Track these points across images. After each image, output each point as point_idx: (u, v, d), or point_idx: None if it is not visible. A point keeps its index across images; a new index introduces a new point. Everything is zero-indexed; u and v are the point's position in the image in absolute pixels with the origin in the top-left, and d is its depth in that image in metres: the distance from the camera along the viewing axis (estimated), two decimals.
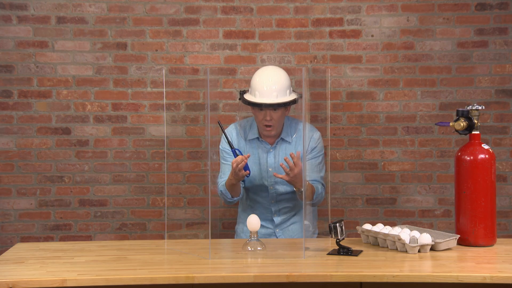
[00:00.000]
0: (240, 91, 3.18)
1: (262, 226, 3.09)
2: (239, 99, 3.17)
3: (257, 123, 3.17)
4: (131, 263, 2.19)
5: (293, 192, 3.16)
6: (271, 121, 3.09)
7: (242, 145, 3.21)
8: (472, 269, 2.09)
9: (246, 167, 3.00)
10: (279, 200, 3.23)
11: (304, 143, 3.08)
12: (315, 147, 3.21)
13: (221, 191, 3.14)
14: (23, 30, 4.01)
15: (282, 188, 3.19)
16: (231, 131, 3.27)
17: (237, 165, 2.92)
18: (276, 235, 3.22)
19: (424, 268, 2.13)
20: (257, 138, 3.22)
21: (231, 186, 3.06)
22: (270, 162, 3.18)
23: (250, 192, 3.27)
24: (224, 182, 3.12)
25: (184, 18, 4.06)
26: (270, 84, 3.07)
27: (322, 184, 3.22)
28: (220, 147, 3.24)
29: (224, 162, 3.21)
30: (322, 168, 3.25)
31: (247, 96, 3.14)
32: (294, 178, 2.94)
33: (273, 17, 4.07)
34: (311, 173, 3.18)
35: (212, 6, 4.06)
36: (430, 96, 4.08)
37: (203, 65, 4.07)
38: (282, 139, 3.21)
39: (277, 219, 3.24)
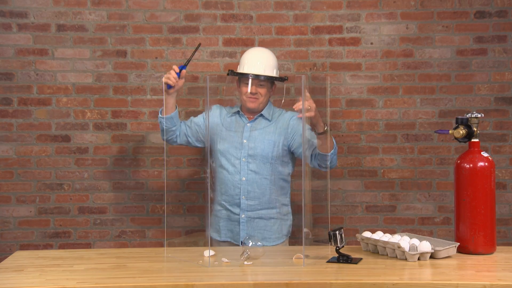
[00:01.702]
0: (229, 70, 3.24)
1: (226, 208, 3.17)
2: (228, 74, 3.22)
3: (241, 98, 3.24)
4: (131, 271, 2.19)
5: (264, 177, 3.17)
6: (256, 95, 3.17)
7: (221, 118, 3.29)
8: (472, 277, 2.09)
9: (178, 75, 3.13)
10: (250, 179, 3.17)
11: (304, 148, 3.05)
12: (296, 124, 3.20)
13: (159, 117, 3.23)
14: (23, 38, 4.02)
15: (255, 164, 3.17)
16: (214, 108, 3.38)
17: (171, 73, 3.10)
18: (239, 223, 3.15)
19: (424, 276, 2.13)
20: (238, 112, 3.29)
21: (165, 102, 3.15)
22: (245, 135, 3.21)
23: (221, 168, 3.22)
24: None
25: (183, 25, 4.07)
26: (257, 58, 3.19)
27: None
28: (192, 118, 3.37)
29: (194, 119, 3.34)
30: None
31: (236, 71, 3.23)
32: (316, 116, 2.89)
33: (273, 25, 4.08)
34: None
35: (211, 14, 4.07)
36: (429, 104, 4.09)
37: (203, 72, 4.08)
38: (262, 116, 3.25)
39: (244, 203, 3.16)
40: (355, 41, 4.09)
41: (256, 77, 3.15)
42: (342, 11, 4.08)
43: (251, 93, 3.16)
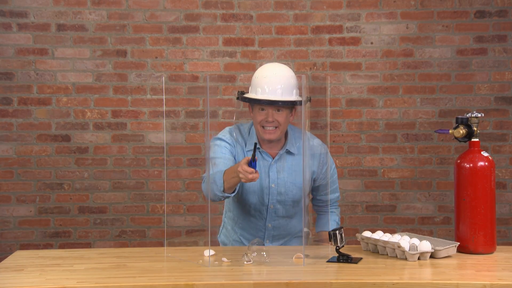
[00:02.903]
0: (239, 91, 2.73)
1: (242, 242, 2.77)
2: (237, 98, 2.71)
3: (256, 127, 2.67)
4: (131, 271, 2.19)
5: (292, 217, 2.76)
6: (273, 123, 2.62)
7: (238, 154, 2.73)
8: (472, 276, 2.09)
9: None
10: (276, 225, 2.76)
11: (304, 153, 2.65)
12: (325, 161, 2.78)
13: (214, 179, 2.54)
14: (23, 38, 4.01)
15: (284, 210, 2.74)
16: (225, 137, 2.75)
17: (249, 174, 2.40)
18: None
19: (424, 275, 2.13)
20: (257, 148, 2.69)
21: (230, 179, 2.49)
22: (272, 177, 2.70)
23: (243, 210, 2.78)
24: (219, 171, 2.58)
25: (183, 25, 4.07)
26: (274, 80, 2.61)
27: (337, 206, 2.89)
28: (216, 142, 2.73)
29: (218, 157, 2.69)
30: (336, 183, 2.86)
31: (247, 95, 2.68)
32: None
33: (273, 25, 4.08)
34: (325, 188, 2.79)
35: (211, 13, 4.07)
36: (429, 103, 4.09)
37: (203, 72, 4.08)
38: (287, 151, 2.73)
39: (268, 243, 2.77)
40: (355, 41, 4.09)
41: (272, 103, 2.58)
42: (342, 11, 4.07)
43: (267, 121, 2.61)
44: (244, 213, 2.76)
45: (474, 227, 2.37)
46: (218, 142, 2.72)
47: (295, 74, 2.64)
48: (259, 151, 2.71)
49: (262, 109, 2.60)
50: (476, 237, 2.36)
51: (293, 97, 2.62)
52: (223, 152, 2.69)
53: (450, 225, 4.07)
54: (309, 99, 2.70)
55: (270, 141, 2.67)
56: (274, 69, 2.68)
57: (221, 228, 2.96)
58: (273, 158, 2.72)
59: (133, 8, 4.05)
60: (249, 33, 4.08)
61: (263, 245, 2.49)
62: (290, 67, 2.69)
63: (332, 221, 2.83)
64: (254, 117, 2.66)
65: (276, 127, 2.61)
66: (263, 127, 2.62)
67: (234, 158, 2.69)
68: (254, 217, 2.75)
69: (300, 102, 2.61)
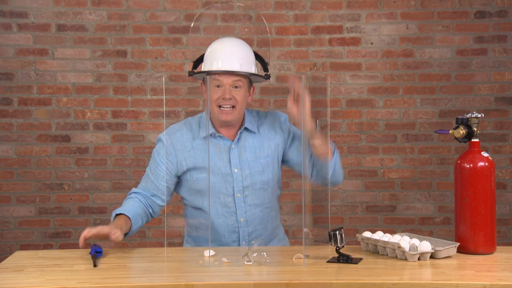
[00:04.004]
0: (189, 70, 2.47)
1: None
2: (189, 74, 2.46)
3: (211, 108, 2.41)
4: (131, 271, 2.19)
5: (265, 207, 2.53)
6: (231, 101, 2.37)
7: (190, 149, 2.49)
8: (472, 277, 2.09)
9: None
10: (250, 217, 2.51)
11: (304, 156, 2.48)
12: (289, 127, 2.57)
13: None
14: (23, 38, 4.01)
15: (253, 196, 2.49)
16: (170, 134, 2.55)
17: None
18: None
19: (424, 276, 2.13)
20: (212, 134, 2.48)
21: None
22: (234, 162, 2.47)
23: (199, 209, 2.55)
24: (127, 200, 2.54)
25: (184, 25, 4.07)
26: (231, 52, 2.38)
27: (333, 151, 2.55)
28: (156, 156, 2.60)
29: (152, 175, 2.62)
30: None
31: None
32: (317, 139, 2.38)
33: (273, 25, 4.08)
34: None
35: (212, 13, 4.06)
36: (429, 104, 4.09)
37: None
38: (246, 129, 2.50)
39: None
40: (355, 41, 4.09)
41: (231, 73, 2.36)
42: (342, 11, 4.07)
43: (224, 99, 2.37)
44: (203, 215, 2.52)
45: (474, 228, 2.37)
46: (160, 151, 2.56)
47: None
48: (215, 138, 2.47)
49: (218, 86, 2.38)
50: (476, 237, 2.36)
51: (252, 70, 2.40)
52: (160, 168, 2.56)
53: (450, 226, 4.07)
54: (268, 77, 2.47)
55: (227, 123, 2.44)
56: (229, 41, 2.47)
57: (185, 237, 2.72)
58: (232, 141, 2.48)
59: (133, 8, 4.05)
60: (248, 33, 4.08)
61: (264, 245, 2.48)
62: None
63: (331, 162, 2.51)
64: (210, 96, 2.40)
65: (233, 106, 2.38)
66: (219, 107, 2.39)
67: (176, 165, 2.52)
68: (221, 217, 2.50)
69: (266, 76, 2.45)
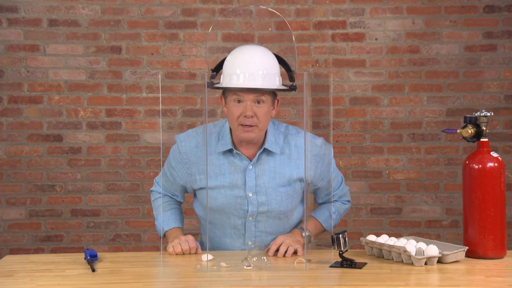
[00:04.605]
0: (210, 79, 2.35)
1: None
2: (208, 85, 2.32)
3: (231, 123, 2.33)
4: (126, 276, 2.18)
5: (279, 232, 2.47)
6: (253, 119, 2.28)
7: (204, 161, 2.38)
8: (481, 282, 2.08)
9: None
10: (259, 243, 2.48)
11: (305, 157, 2.38)
12: (318, 153, 2.45)
13: (156, 217, 2.59)
14: (14, 33, 4.01)
15: (267, 223, 2.45)
16: (188, 141, 2.44)
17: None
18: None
19: (431, 281, 2.12)
20: (231, 150, 2.39)
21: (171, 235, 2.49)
22: (250, 185, 2.39)
23: (214, 228, 2.53)
24: (167, 215, 2.59)
25: (181, 20, 4.07)
26: (253, 64, 2.26)
27: (345, 201, 2.62)
28: (172, 159, 2.52)
29: (169, 176, 2.58)
30: (338, 178, 2.56)
31: (219, 85, 2.34)
32: (296, 243, 2.37)
33: (273, 20, 4.08)
34: (326, 189, 2.52)
35: (210, 8, 4.06)
36: (436, 102, 4.09)
37: (201, 69, 4.07)
38: (266, 151, 2.39)
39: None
40: (359, 37, 4.09)
41: (253, 89, 2.26)
42: (345, 5, 4.07)
43: (245, 116, 2.27)
44: (217, 233, 2.52)
45: (483, 231, 2.36)
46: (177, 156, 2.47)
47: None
48: (233, 154, 2.39)
49: (239, 101, 2.27)
50: (486, 241, 2.36)
51: (276, 84, 2.29)
52: (175, 174, 2.51)
53: (458, 229, 4.07)
54: (294, 88, 2.36)
55: (248, 142, 2.35)
56: (251, 51, 2.32)
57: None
58: (250, 161, 2.39)
59: (128, 2, 4.04)
60: (248, 28, 4.08)
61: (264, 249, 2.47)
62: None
63: (325, 209, 2.55)
64: (230, 112, 2.30)
65: (255, 126, 2.28)
66: (240, 124, 2.29)
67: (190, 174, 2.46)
68: (229, 235, 2.50)
69: (291, 87, 2.33)
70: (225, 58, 2.36)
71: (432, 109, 4.10)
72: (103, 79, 4.06)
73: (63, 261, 2.38)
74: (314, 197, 2.61)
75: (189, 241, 2.43)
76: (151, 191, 2.72)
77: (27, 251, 4.03)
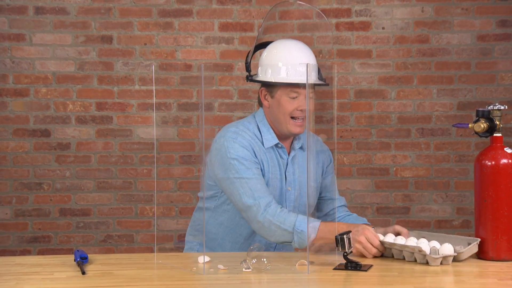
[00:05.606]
0: (247, 76, 2.50)
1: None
2: (247, 79, 2.49)
3: (284, 119, 2.44)
4: (117, 279, 2.19)
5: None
6: (304, 112, 2.42)
7: (258, 156, 2.47)
8: (494, 285, 2.09)
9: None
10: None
11: (308, 152, 2.52)
12: (330, 163, 2.67)
13: (292, 225, 2.38)
14: None
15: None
16: (241, 137, 2.46)
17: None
18: None
19: (442, 284, 2.13)
20: (276, 144, 2.52)
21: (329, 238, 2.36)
22: (288, 179, 2.54)
23: (246, 223, 2.58)
24: (314, 222, 2.40)
25: (175, 8, 4.07)
26: (306, 59, 2.43)
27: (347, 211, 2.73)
28: (235, 155, 2.43)
29: (252, 176, 2.43)
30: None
31: (264, 77, 2.45)
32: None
33: (274, 9, 4.08)
34: (333, 193, 2.64)
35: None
36: (447, 95, 4.09)
37: (197, 60, 4.08)
38: (301, 147, 2.58)
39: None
40: (365, 26, 4.09)
41: (320, 84, 2.49)
42: None
43: (301, 110, 2.42)
44: (248, 227, 2.53)
45: (496, 231, 2.37)
46: (245, 163, 2.43)
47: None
48: (275, 149, 2.51)
49: (295, 97, 2.42)
50: (499, 242, 2.37)
51: (317, 78, 2.50)
52: (254, 173, 2.43)
53: (469, 229, 4.07)
54: (328, 84, 2.58)
55: (294, 135, 2.52)
56: (299, 47, 2.48)
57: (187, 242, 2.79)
58: (288, 155, 2.54)
59: None
60: (247, 17, 4.08)
61: (263, 250, 2.48)
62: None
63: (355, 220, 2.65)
64: (283, 107, 2.43)
65: (304, 119, 2.43)
66: (293, 118, 2.42)
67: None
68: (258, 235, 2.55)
69: (327, 84, 2.54)
70: (253, 51, 2.48)
71: (442, 103, 4.10)
72: (93, 71, 4.06)
73: (51, 264, 2.38)
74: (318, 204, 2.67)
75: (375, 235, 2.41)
76: (265, 213, 2.42)
77: (13, 253, 4.03)
